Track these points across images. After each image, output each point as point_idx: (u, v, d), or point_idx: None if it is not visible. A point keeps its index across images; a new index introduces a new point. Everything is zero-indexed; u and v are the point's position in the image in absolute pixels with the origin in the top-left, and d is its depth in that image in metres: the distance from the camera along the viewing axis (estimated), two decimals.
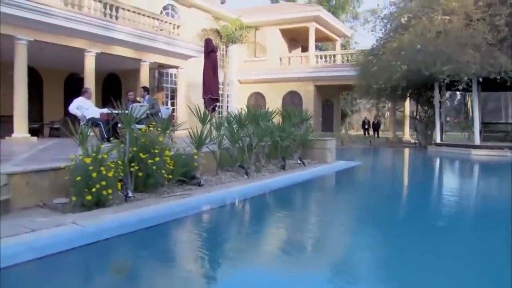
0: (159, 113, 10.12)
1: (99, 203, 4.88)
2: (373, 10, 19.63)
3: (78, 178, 4.77)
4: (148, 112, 9.44)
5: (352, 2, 39.25)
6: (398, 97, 19.71)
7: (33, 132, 13.29)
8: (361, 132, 36.45)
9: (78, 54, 13.75)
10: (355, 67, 20.91)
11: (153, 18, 16.35)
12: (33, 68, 13.32)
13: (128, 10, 15.16)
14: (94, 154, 4.97)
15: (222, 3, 26.34)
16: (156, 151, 5.71)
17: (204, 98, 10.60)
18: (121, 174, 5.22)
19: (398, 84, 15.98)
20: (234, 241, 4.62)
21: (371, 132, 35.15)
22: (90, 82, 13.66)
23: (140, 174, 5.60)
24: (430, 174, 11.94)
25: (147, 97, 10.28)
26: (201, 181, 6.63)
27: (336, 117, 29.56)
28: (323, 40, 31.17)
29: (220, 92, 26.66)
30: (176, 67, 18.05)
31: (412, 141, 25.27)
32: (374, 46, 20.18)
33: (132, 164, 5.57)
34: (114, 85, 19.23)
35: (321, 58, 26.33)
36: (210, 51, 10.60)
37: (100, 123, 9.19)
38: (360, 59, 21.18)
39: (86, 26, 13.01)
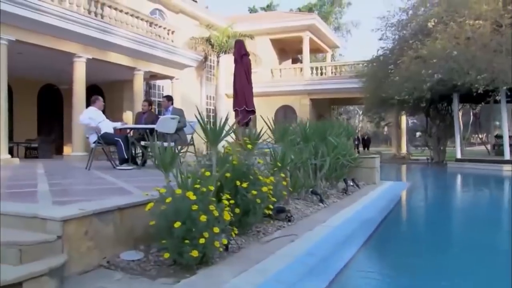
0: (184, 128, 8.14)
1: (202, 259, 2.94)
2: (383, 17, 18.19)
3: (177, 224, 2.74)
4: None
5: (335, 13, 38.33)
6: (420, 110, 18.30)
7: None
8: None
9: (61, 61, 11.47)
10: (361, 79, 19.47)
11: (147, 21, 14.22)
12: None
13: (121, 11, 12.97)
14: (197, 186, 2.98)
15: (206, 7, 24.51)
16: (260, 178, 3.80)
17: (236, 110, 8.65)
18: (231, 213, 3.25)
19: (424, 95, 14.45)
20: None
21: (360, 148, 34.09)
22: (80, 93, 11.43)
23: (237, 210, 3.60)
24: (498, 195, 10.24)
25: (171, 107, 8.24)
26: (291, 215, 4.73)
27: None
28: (313, 52, 29.78)
29: (211, 107, 24.71)
30: (171, 78, 15.89)
31: (412, 157, 24.03)
32: (383, 54, 18.86)
33: (224, 197, 3.57)
34: None
35: (316, 70, 24.83)
36: (243, 54, 8.72)
37: (119, 140, 7.09)
38: (368, 69, 19.65)
39: (80, 27, 10.74)
